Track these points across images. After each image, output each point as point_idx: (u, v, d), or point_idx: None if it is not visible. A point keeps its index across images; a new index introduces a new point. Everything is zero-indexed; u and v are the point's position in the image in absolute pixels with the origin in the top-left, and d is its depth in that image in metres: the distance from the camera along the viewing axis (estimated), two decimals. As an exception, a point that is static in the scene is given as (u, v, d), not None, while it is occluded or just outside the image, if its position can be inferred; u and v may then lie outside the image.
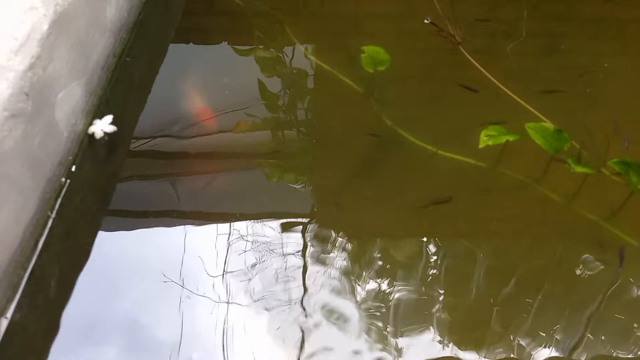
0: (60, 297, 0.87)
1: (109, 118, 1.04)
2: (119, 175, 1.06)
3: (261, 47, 1.31)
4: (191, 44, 1.33)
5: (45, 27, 0.89)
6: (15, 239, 0.83)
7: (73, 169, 0.98)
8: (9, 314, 0.82)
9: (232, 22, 1.37)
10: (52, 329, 0.84)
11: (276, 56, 1.30)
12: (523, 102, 1.17)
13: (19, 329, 0.82)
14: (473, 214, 1.03)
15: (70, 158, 0.98)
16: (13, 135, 0.81)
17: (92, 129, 1.03)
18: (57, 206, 0.93)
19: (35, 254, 0.88)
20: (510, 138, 1.05)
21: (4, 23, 0.87)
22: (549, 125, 1.07)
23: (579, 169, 1.02)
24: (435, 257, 0.97)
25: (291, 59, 1.29)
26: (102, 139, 1.04)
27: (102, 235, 0.97)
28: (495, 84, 1.20)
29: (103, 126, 1.03)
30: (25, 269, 0.86)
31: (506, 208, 1.04)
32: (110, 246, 0.96)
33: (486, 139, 1.06)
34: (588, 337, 0.89)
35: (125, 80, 1.16)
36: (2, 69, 0.81)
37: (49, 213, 0.92)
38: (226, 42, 1.32)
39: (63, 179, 0.96)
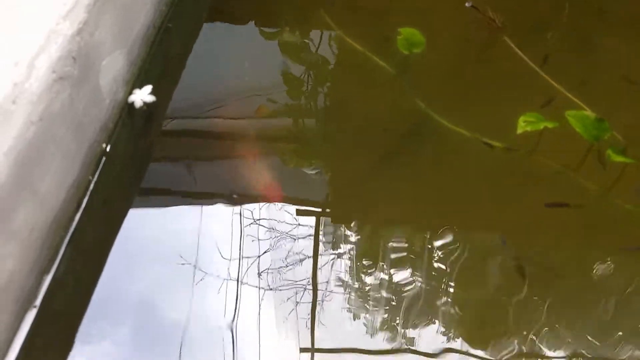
0: (97, 262, 0.89)
1: (148, 88, 1.06)
2: (154, 147, 1.07)
3: (288, 29, 1.31)
4: (224, 23, 1.33)
5: (92, -7, 0.90)
6: (58, 200, 0.85)
7: (113, 136, 1.00)
8: (51, 273, 0.84)
9: (266, 2, 1.37)
10: (89, 290, 0.86)
11: (306, 39, 1.30)
12: (563, 90, 1.16)
13: (60, 288, 0.84)
14: (506, 202, 1.03)
15: (111, 125, 1.00)
16: (60, 98, 0.82)
17: (131, 98, 1.04)
18: (97, 172, 0.95)
19: (76, 217, 0.90)
20: (549, 125, 1.04)
21: (53, -12, 0.88)
22: (589, 113, 1.06)
23: (619, 159, 1.01)
24: (462, 249, 0.97)
25: (319, 41, 1.29)
26: (140, 108, 1.05)
27: (136, 204, 0.99)
28: (535, 70, 1.19)
29: (143, 96, 1.05)
30: (66, 231, 0.88)
31: (540, 197, 1.03)
32: (143, 216, 0.98)
33: (524, 124, 1.05)
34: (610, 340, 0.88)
35: (162, 53, 1.17)
36: (52, 32, 0.82)
37: (90, 178, 0.94)
38: (256, 24, 1.32)
39: (104, 145, 0.97)
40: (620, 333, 0.88)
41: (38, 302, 0.82)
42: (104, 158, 0.97)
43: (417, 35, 1.18)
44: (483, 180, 1.05)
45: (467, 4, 1.31)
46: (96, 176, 0.95)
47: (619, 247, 0.96)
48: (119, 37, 0.99)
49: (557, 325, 0.88)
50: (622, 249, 0.96)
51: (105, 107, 0.96)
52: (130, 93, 1.05)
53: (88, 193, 0.93)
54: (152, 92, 1.06)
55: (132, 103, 1.04)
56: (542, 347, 0.86)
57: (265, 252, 0.94)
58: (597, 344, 0.87)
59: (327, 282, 0.92)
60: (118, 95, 1.01)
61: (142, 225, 0.97)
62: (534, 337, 0.87)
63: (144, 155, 1.06)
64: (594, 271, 0.95)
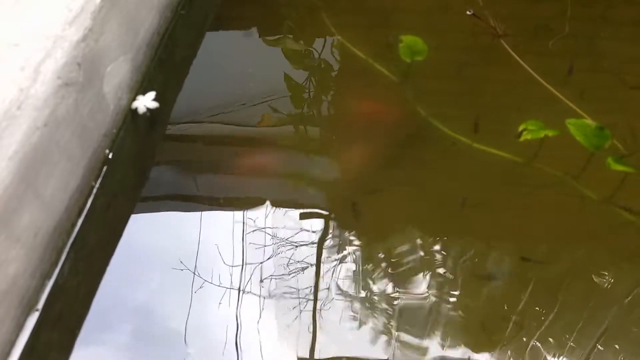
0: (99, 267, 0.90)
1: (152, 94, 1.06)
2: (157, 153, 1.08)
3: (291, 37, 1.31)
4: (228, 30, 1.34)
5: (98, 0, 0.91)
6: (62, 204, 0.85)
7: (117, 142, 1.01)
8: (54, 277, 0.85)
9: (268, 9, 1.38)
10: (91, 295, 0.87)
11: (309, 45, 1.31)
12: (564, 98, 1.16)
13: (61, 292, 0.85)
14: (505, 210, 1.03)
15: (115, 131, 1.00)
16: (65, 104, 0.83)
17: (135, 104, 1.05)
18: (100, 177, 0.96)
19: (79, 221, 0.90)
20: (550, 133, 1.04)
21: (59, -5, 0.89)
22: (590, 122, 1.06)
23: (619, 167, 1.01)
24: (464, 256, 0.97)
25: (322, 48, 1.30)
26: (144, 114, 1.06)
27: (138, 209, 0.99)
28: (536, 78, 1.19)
29: (146, 102, 1.05)
30: (69, 235, 0.88)
31: (540, 205, 1.03)
32: (145, 222, 0.98)
33: (525, 132, 1.05)
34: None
35: (166, 60, 1.18)
36: (58, 38, 0.83)
37: (93, 183, 0.94)
38: (259, 30, 1.33)
39: (107, 151, 0.98)
40: (619, 342, 0.88)
41: (40, 306, 0.82)
42: (107, 163, 0.98)
43: (420, 43, 1.19)
44: (483, 186, 1.05)
45: (468, 12, 1.32)
46: (99, 181, 0.96)
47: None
48: (124, 44, 1.00)
49: (557, 333, 0.88)
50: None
51: (109, 113, 0.97)
52: (134, 99, 1.06)
53: (91, 198, 0.93)
54: (156, 99, 1.07)
55: (136, 109, 1.05)
56: (545, 354, 0.87)
57: (267, 258, 0.94)
58: (601, 348, 0.87)
59: (329, 289, 0.92)
60: (122, 101, 1.02)
61: (145, 230, 0.97)
62: (535, 344, 0.87)
63: (146, 160, 1.06)
64: (594, 279, 0.95)
